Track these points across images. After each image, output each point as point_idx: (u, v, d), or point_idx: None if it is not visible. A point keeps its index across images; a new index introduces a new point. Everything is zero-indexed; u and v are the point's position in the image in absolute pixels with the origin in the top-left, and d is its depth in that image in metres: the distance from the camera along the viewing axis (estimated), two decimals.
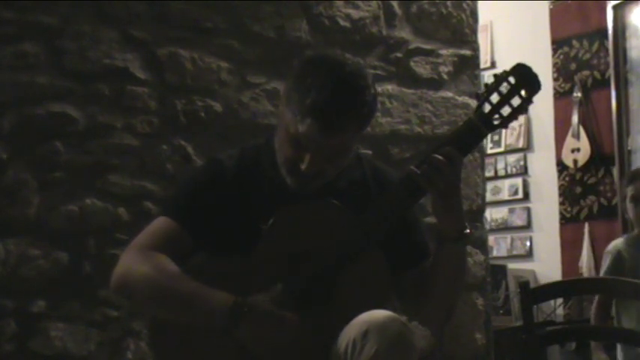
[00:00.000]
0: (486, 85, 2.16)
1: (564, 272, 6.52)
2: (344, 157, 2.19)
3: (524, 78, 2.14)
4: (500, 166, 7.09)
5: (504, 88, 2.14)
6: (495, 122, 2.14)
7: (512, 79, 2.13)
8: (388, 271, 2.17)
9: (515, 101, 2.13)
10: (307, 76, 2.10)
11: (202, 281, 2.09)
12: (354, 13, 3.79)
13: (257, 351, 2.07)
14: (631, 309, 4.33)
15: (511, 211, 7.01)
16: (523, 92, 2.13)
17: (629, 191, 4.46)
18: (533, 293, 3.10)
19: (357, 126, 2.15)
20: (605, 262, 4.52)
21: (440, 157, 2.10)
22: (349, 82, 2.10)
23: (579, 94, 6.53)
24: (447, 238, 2.20)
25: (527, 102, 2.14)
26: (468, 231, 2.23)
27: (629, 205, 4.50)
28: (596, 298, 4.58)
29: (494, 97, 2.13)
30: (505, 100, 2.13)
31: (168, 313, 2.15)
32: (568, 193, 6.64)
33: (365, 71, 2.18)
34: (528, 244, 6.91)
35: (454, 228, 2.19)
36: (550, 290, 3.42)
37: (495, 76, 2.15)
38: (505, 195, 7.05)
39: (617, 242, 4.57)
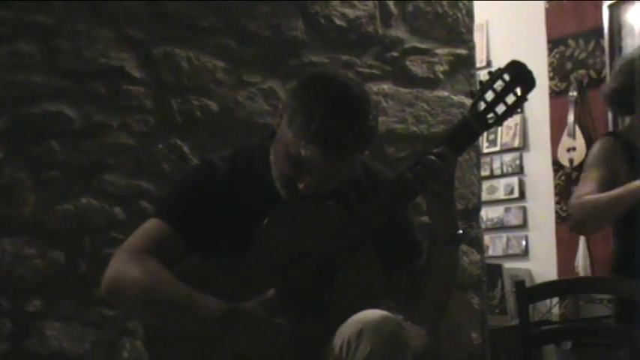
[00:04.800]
0: (481, 82, 2.16)
1: (560, 271, 6.51)
2: (342, 176, 2.18)
3: (518, 75, 2.14)
4: (496, 165, 7.08)
5: (499, 85, 2.14)
6: (490, 121, 2.14)
7: (506, 76, 2.13)
8: (382, 271, 2.17)
9: (510, 99, 2.13)
10: (311, 100, 2.09)
11: (196, 284, 2.08)
12: (350, 13, 3.80)
13: (249, 357, 2.07)
14: None
15: (507, 210, 7.00)
16: (518, 89, 2.14)
17: None
18: (529, 292, 3.10)
19: (360, 150, 2.16)
20: None
21: (434, 158, 2.10)
22: (354, 108, 2.09)
23: (575, 94, 6.52)
24: (440, 239, 2.21)
25: (521, 99, 2.14)
26: (461, 232, 2.24)
27: None
28: None
29: (489, 95, 2.13)
30: (500, 97, 2.13)
31: (159, 319, 2.15)
32: (564, 193, 6.63)
33: (368, 94, 2.17)
34: (524, 243, 6.90)
35: (447, 228, 2.20)
36: (546, 289, 3.42)
37: (490, 73, 2.15)
38: (501, 194, 7.04)
39: None
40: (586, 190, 3.36)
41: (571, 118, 6.50)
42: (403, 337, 1.99)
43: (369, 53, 3.84)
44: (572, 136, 6.49)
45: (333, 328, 2.06)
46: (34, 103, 3.21)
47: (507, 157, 7.03)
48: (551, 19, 6.78)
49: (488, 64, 7.00)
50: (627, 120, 3.80)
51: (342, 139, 2.06)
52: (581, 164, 6.38)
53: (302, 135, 2.07)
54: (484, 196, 4.46)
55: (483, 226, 4.26)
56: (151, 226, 2.22)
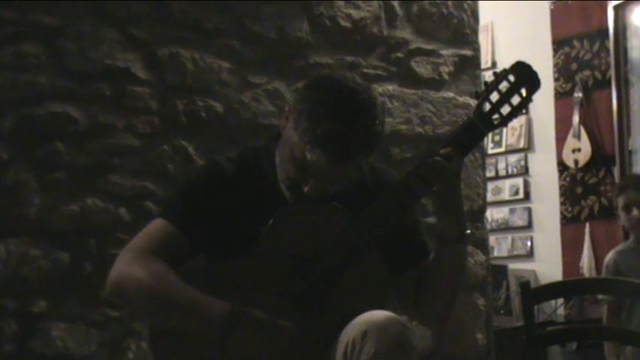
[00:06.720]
0: (486, 83, 2.16)
1: (565, 272, 6.52)
2: (348, 179, 2.18)
3: (523, 76, 2.14)
4: (501, 166, 7.09)
5: (504, 86, 2.13)
6: (495, 121, 2.14)
7: (511, 77, 2.13)
8: (387, 272, 2.17)
9: (515, 100, 2.13)
10: (318, 104, 2.08)
11: (201, 285, 2.08)
12: (355, 14, 3.80)
13: (253, 359, 2.07)
14: (638, 311, 4.33)
15: (512, 211, 7.01)
16: (523, 90, 2.14)
17: (621, 200, 4.51)
18: (534, 293, 3.10)
19: (366, 154, 2.16)
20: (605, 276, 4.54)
21: (440, 159, 2.10)
22: (360, 113, 2.08)
23: (580, 95, 6.52)
24: (448, 239, 2.20)
25: (526, 100, 2.14)
26: (469, 231, 2.24)
27: (621, 214, 4.54)
28: (606, 305, 4.58)
29: (494, 96, 2.13)
30: (505, 98, 2.13)
31: (163, 320, 2.14)
32: (569, 194, 6.63)
33: (375, 98, 2.15)
34: (529, 244, 6.90)
35: (455, 228, 2.20)
36: (551, 290, 3.42)
37: (495, 74, 2.15)
38: (506, 195, 7.05)
39: (613, 254, 4.58)
40: None
41: (576, 119, 6.50)
42: (408, 339, 1.99)
43: (374, 54, 3.84)
44: (578, 137, 6.49)
45: (338, 330, 2.06)
46: (39, 104, 3.21)
47: (512, 158, 7.04)
48: (556, 20, 6.78)
49: (493, 65, 7.01)
50: None
51: (347, 144, 2.06)
52: (586, 165, 6.40)
53: (308, 139, 2.07)
54: (489, 197, 4.46)
55: (488, 227, 4.25)
56: (156, 226, 2.21)
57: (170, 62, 3.43)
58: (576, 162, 6.52)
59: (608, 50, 6.44)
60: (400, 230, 2.23)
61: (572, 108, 6.55)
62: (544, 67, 6.22)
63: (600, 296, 4.61)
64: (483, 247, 3.96)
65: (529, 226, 6.95)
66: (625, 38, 6.38)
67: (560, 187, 6.70)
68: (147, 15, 3.41)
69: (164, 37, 3.44)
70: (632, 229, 4.54)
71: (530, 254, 6.90)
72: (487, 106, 2.13)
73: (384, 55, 3.86)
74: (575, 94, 6.55)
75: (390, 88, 3.84)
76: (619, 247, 4.64)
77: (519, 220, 6.98)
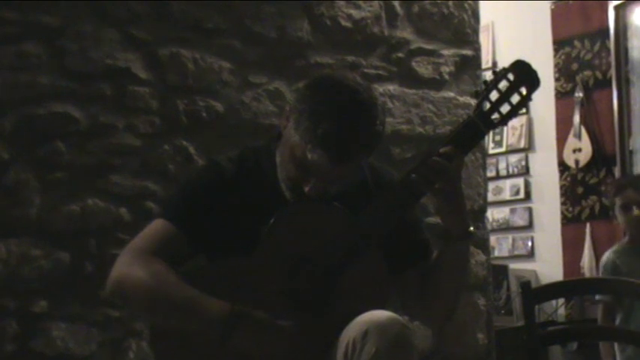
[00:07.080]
0: (485, 82, 2.16)
1: (566, 272, 6.52)
2: (348, 179, 2.18)
3: (523, 74, 2.14)
4: (502, 166, 7.09)
5: (503, 85, 2.13)
6: (495, 120, 2.14)
7: (511, 76, 2.13)
8: (388, 272, 2.17)
9: (515, 98, 2.14)
10: (319, 104, 2.09)
11: (201, 284, 2.08)
12: (356, 13, 3.79)
13: (253, 358, 2.07)
14: (637, 312, 4.33)
15: (512, 211, 7.01)
16: (522, 89, 2.14)
17: (618, 200, 4.51)
18: (535, 293, 3.09)
19: (367, 154, 2.16)
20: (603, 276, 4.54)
21: (440, 159, 2.10)
22: (361, 113, 2.09)
23: (581, 94, 6.53)
24: (452, 237, 2.21)
25: (526, 99, 2.14)
26: (473, 229, 2.24)
27: (618, 214, 4.54)
28: (600, 305, 4.59)
29: (494, 95, 2.13)
30: (504, 97, 2.13)
31: (163, 319, 2.15)
32: (569, 194, 6.64)
33: (376, 98, 2.16)
34: (530, 244, 6.91)
35: (459, 227, 2.20)
36: (552, 290, 3.42)
37: (495, 73, 2.15)
38: (507, 195, 7.05)
39: (610, 254, 4.58)
40: None
41: (577, 119, 6.51)
42: (409, 338, 1.99)
43: (375, 54, 3.84)
44: (578, 137, 6.49)
45: (339, 330, 2.06)
46: (39, 103, 3.21)
47: (513, 158, 7.04)
48: (557, 20, 6.79)
49: (494, 65, 7.02)
50: None
51: (348, 144, 2.07)
52: (587, 165, 6.41)
53: (308, 139, 2.07)
54: (490, 197, 4.46)
55: (489, 227, 4.25)
56: (156, 226, 2.22)
57: (171, 62, 3.43)
58: (577, 162, 6.52)
59: (608, 50, 6.44)
60: (401, 230, 2.23)
61: (573, 108, 6.55)
62: (545, 67, 6.23)
63: (597, 296, 4.61)
64: (484, 247, 3.96)
65: (530, 226, 6.96)
66: (626, 38, 6.38)
67: (561, 187, 6.70)
68: (147, 15, 3.41)
69: (164, 37, 3.44)
70: (632, 229, 4.54)
71: (530, 254, 6.90)
72: (487, 105, 2.13)
73: (385, 55, 3.86)
74: (576, 94, 6.55)
75: (391, 88, 3.84)
76: (615, 247, 4.64)
77: (520, 220, 6.98)
